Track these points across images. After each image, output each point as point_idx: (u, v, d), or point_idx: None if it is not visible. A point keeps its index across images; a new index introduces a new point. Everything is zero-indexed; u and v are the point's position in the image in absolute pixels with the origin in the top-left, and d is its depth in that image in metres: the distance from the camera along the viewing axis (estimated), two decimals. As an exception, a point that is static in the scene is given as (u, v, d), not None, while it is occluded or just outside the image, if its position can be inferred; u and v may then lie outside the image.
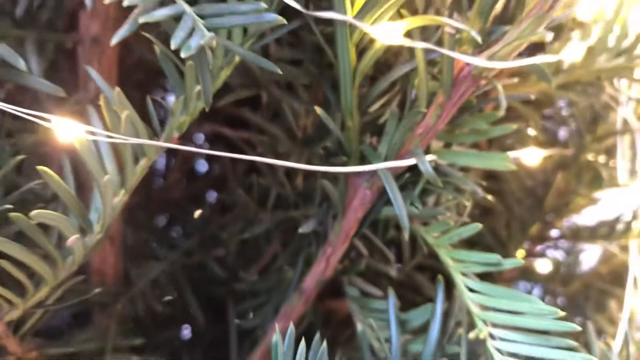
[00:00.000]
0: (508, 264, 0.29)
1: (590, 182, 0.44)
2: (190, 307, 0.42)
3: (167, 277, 0.42)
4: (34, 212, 0.24)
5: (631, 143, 0.44)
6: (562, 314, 0.28)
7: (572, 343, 0.27)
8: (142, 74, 0.43)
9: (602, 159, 0.46)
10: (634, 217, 0.43)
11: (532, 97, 0.32)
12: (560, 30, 0.38)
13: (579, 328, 0.27)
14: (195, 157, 0.49)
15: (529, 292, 0.56)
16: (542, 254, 0.50)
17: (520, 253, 0.46)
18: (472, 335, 0.29)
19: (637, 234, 0.42)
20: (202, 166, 0.55)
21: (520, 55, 0.34)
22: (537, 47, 0.41)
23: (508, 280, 0.49)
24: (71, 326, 0.43)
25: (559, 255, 0.59)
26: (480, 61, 0.27)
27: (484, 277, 0.49)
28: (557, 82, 0.38)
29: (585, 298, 0.56)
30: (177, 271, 0.42)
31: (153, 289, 0.41)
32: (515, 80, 0.37)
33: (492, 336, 0.29)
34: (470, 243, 0.49)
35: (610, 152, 0.45)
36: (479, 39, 0.26)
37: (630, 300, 0.44)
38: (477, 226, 0.30)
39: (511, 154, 0.41)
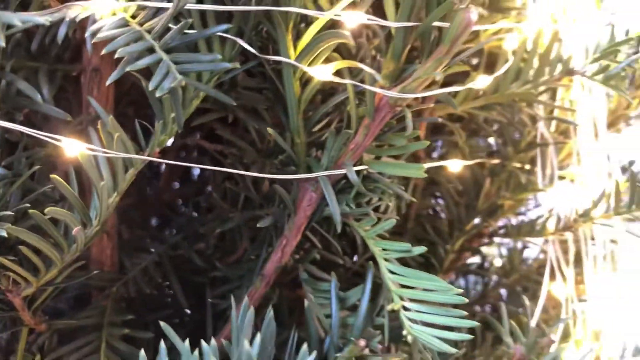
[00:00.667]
0: (416, 250, 0.37)
1: (515, 188, 0.52)
2: (175, 292, 0.50)
3: (155, 266, 0.50)
4: (48, 209, 0.32)
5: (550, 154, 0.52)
6: (459, 290, 0.36)
7: (464, 313, 0.35)
8: (135, 94, 0.51)
9: (528, 167, 0.54)
10: (549, 216, 0.51)
11: (440, 120, 0.40)
12: (479, 61, 0.46)
13: (466, 300, 0.35)
14: (180, 167, 0.58)
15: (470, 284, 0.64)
16: (478, 250, 0.57)
17: (456, 246, 0.54)
18: (389, 307, 0.37)
19: (551, 231, 0.50)
20: (194, 172, 0.63)
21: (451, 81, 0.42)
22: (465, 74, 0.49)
23: (450, 271, 0.56)
24: (73, 308, 0.51)
25: (503, 251, 0.67)
26: (393, 93, 0.35)
27: (428, 268, 0.57)
28: (478, 104, 0.46)
29: (524, 288, 0.64)
30: (164, 261, 0.50)
31: (143, 276, 0.49)
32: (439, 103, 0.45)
33: (405, 308, 0.37)
34: (418, 240, 0.57)
35: (534, 162, 0.53)
36: (378, 78, 0.34)
37: (546, 287, 0.52)
38: (392, 221, 0.38)
39: (443, 162, 0.49)
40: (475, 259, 0.63)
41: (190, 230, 0.52)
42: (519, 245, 0.65)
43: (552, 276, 0.52)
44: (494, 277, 0.60)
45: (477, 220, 0.54)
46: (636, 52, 0.54)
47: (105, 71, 0.45)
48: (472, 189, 0.52)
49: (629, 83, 0.55)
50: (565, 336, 0.55)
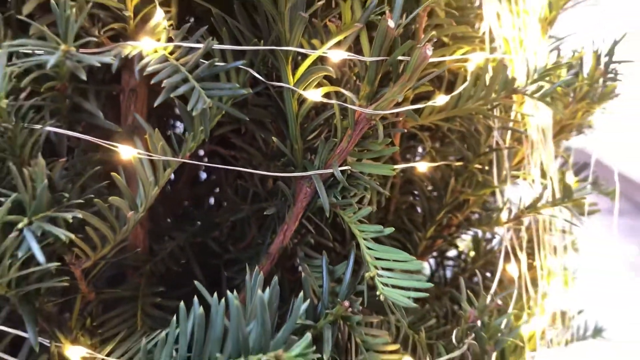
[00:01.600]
0: (387, 231, 0.47)
1: (475, 186, 0.63)
2: (195, 271, 0.60)
3: (179, 250, 0.61)
4: (111, 198, 0.42)
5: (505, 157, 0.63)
6: (420, 261, 0.47)
7: (424, 277, 0.46)
8: (162, 109, 0.62)
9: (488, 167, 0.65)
10: (502, 209, 0.61)
11: (404, 130, 0.51)
12: (440, 82, 0.57)
13: (425, 264, 0.46)
14: (199, 168, 0.68)
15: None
16: (448, 238, 0.68)
17: (429, 233, 0.64)
18: (367, 275, 0.47)
19: (504, 221, 0.61)
20: (203, 175, 0.74)
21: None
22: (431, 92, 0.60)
23: (424, 255, 0.67)
24: (111, 285, 0.62)
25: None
26: (368, 110, 0.46)
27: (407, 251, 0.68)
28: (442, 117, 0.57)
29: (491, 273, 0.74)
30: (186, 247, 0.61)
31: (170, 258, 0.60)
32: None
33: (379, 275, 0.47)
34: (397, 229, 0.67)
35: (492, 164, 0.64)
36: (355, 100, 0.45)
37: (500, 267, 0.62)
38: (369, 209, 0.48)
39: (412, 164, 0.60)
40: (454, 251, 0.74)
41: (207, 221, 0.63)
42: (488, 235, 0.77)
43: (513, 259, 0.63)
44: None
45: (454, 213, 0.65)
46: (577, 73, 0.65)
47: (140, 91, 0.56)
48: (441, 187, 0.63)
49: (572, 98, 0.66)
50: (520, 308, 0.66)
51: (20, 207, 0.40)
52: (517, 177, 0.64)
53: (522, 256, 0.64)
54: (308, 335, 0.37)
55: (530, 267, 0.68)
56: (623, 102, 0.67)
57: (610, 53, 0.65)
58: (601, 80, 0.65)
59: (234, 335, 0.38)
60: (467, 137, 0.62)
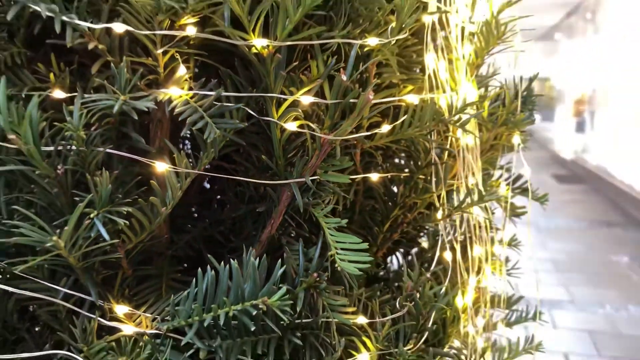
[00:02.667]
0: (343, 222, 0.67)
1: (419, 192, 0.82)
2: (205, 256, 0.79)
3: (193, 240, 0.80)
4: (152, 198, 0.62)
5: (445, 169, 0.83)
6: (365, 244, 0.66)
7: (368, 254, 0.65)
8: (176, 133, 0.82)
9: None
10: (437, 209, 0.81)
11: (359, 150, 0.71)
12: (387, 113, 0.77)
13: (367, 245, 0.65)
14: (205, 178, 0.88)
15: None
16: (407, 234, 0.87)
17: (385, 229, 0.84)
18: (329, 254, 0.67)
19: (439, 218, 0.80)
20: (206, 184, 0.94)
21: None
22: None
23: (383, 245, 0.86)
24: (142, 264, 0.81)
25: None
26: (330, 137, 0.66)
27: (368, 242, 0.86)
28: (390, 139, 0.77)
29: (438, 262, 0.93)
30: (198, 238, 0.80)
31: (186, 246, 0.79)
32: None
33: (338, 253, 0.66)
34: (361, 226, 0.87)
35: (432, 175, 0.83)
36: (318, 131, 0.64)
37: (437, 253, 0.81)
38: (330, 207, 0.68)
39: (366, 175, 0.79)
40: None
41: (214, 218, 0.82)
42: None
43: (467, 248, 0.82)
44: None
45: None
46: (498, 102, 0.85)
47: (164, 121, 0.75)
48: (393, 193, 0.82)
49: (494, 123, 0.85)
50: (453, 286, 0.85)
51: (91, 204, 0.59)
52: (453, 184, 0.83)
53: (457, 246, 0.83)
54: (284, 289, 0.57)
55: (465, 255, 0.87)
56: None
57: (528, 89, 0.85)
58: (519, 110, 0.84)
59: (235, 289, 0.57)
60: (412, 155, 0.82)
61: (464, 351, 0.81)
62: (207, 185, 0.92)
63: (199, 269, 0.59)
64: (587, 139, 13.39)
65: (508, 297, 1.08)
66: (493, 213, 0.88)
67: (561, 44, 17.03)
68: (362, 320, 0.70)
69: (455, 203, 0.81)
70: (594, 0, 12.85)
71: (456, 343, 0.85)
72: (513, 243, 1.04)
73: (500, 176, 0.97)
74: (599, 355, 3.89)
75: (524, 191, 0.99)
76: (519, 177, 1.02)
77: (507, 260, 1.06)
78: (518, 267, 1.08)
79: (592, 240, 7.04)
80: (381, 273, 0.92)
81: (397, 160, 0.89)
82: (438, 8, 0.79)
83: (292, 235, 0.76)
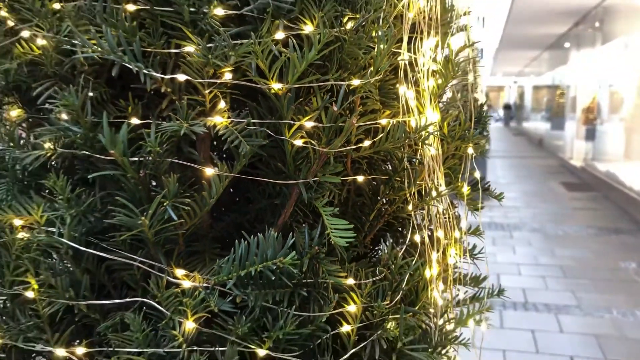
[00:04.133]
0: (336, 210, 0.94)
1: (396, 190, 1.09)
2: (236, 238, 1.07)
3: (227, 227, 1.08)
4: (203, 192, 0.90)
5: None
6: (351, 225, 0.93)
7: (352, 232, 0.92)
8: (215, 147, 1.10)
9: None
10: (409, 203, 1.08)
11: (346, 158, 0.98)
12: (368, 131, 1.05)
13: (351, 225, 0.92)
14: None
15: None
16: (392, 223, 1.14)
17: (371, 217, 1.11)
18: (327, 232, 0.94)
19: (411, 209, 1.07)
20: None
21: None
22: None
23: (370, 232, 1.13)
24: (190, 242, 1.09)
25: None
26: (325, 150, 0.93)
27: (357, 229, 1.15)
28: (372, 151, 1.04)
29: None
30: (231, 225, 1.08)
31: (222, 231, 1.07)
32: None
33: (332, 232, 0.94)
34: (353, 216, 1.14)
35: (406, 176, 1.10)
36: (316, 145, 0.92)
37: (409, 236, 1.09)
38: (326, 199, 0.95)
39: (354, 177, 1.06)
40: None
41: (242, 210, 1.10)
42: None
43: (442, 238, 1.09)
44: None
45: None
46: (457, 121, 1.12)
47: (207, 139, 1.03)
48: (377, 191, 1.10)
49: (453, 138, 1.13)
50: (423, 262, 1.12)
51: (163, 197, 0.87)
52: (421, 185, 1.11)
53: (425, 230, 1.10)
54: (293, 253, 0.84)
55: (434, 240, 1.14)
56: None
57: (480, 110, 1.12)
58: (472, 127, 1.12)
59: (260, 254, 0.85)
60: (390, 162, 1.09)
61: (431, 310, 1.08)
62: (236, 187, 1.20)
63: (236, 241, 0.87)
64: (596, 146, 13.54)
65: (476, 276, 1.34)
66: (455, 207, 1.15)
67: (571, 52, 17.21)
68: (350, 281, 0.98)
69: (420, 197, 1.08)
70: (602, 9, 13.05)
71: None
72: (477, 233, 1.30)
73: (465, 178, 1.24)
74: (604, 358, 4.04)
75: (485, 190, 1.26)
76: (482, 179, 1.29)
77: (474, 246, 1.33)
78: (482, 252, 1.34)
79: (601, 247, 7.19)
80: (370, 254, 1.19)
81: (381, 166, 1.16)
82: (409, 51, 1.07)
83: (300, 221, 1.04)
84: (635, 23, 10.84)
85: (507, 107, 30.07)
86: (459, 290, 1.26)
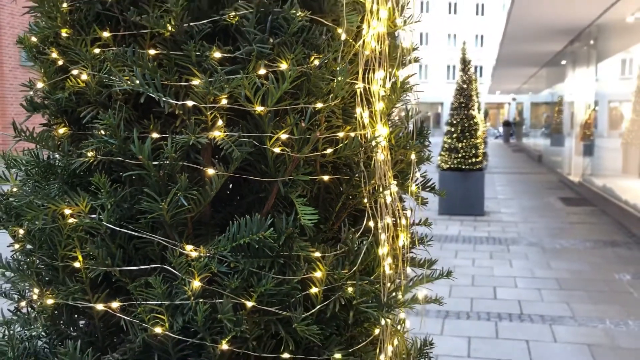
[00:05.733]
0: (305, 200, 1.26)
1: (356, 188, 1.41)
2: (232, 218, 1.40)
3: (223, 216, 1.40)
4: (206, 187, 1.22)
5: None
6: (316, 211, 1.25)
7: (318, 216, 1.24)
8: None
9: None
10: (364, 197, 1.40)
11: (313, 162, 1.31)
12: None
13: (316, 211, 1.24)
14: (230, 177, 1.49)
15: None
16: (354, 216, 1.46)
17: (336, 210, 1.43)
18: (299, 217, 1.26)
19: (365, 202, 1.39)
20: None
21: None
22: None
23: (337, 221, 1.45)
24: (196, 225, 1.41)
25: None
26: (297, 155, 1.26)
27: (325, 219, 1.48)
28: (335, 156, 1.37)
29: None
30: (226, 214, 1.41)
31: (220, 219, 1.40)
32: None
33: (302, 217, 1.25)
34: (322, 209, 1.47)
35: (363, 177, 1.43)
36: (289, 152, 1.25)
37: (367, 223, 1.41)
38: (299, 192, 1.27)
39: (320, 177, 1.39)
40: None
41: (235, 202, 1.42)
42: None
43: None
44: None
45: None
46: (403, 134, 1.45)
47: (209, 148, 1.36)
48: (341, 187, 1.42)
49: (398, 146, 1.45)
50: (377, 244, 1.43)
51: (178, 189, 1.19)
52: (374, 183, 1.42)
53: (378, 219, 1.42)
54: (271, 229, 1.17)
55: (389, 228, 1.46)
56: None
57: (422, 124, 1.45)
58: (414, 137, 1.44)
59: (248, 230, 1.18)
60: (350, 165, 1.42)
61: (384, 281, 1.39)
62: (230, 185, 1.53)
63: (230, 222, 1.20)
64: (594, 161, 13.83)
65: (428, 259, 1.66)
66: (403, 201, 1.47)
67: (567, 69, 17.58)
68: (317, 254, 1.30)
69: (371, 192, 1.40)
70: (595, 27, 13.43)
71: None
72: (427, 224, 1.62)
73: (417, 179, 1.56)
74: (596, 366, 4.27)
75: (431, 189, 1.58)
76: (428, 180, 1.61)
77: (426, 235, 1.64)
78: (431, 239, 1.66)
79: (596, 260, 7.42)
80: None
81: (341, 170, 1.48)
82: (364, 81, 1.40)
83: (280, 210, 1.36)
84: (628, 40, 11.20)
85: (506, 124, 30.41)
86: (414, 271, 1.57)
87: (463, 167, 10.45)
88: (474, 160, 10.43)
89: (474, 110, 10.77)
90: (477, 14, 59.07)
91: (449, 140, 10.57)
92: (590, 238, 8.97)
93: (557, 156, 19.14)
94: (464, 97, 10.67)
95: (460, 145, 10.46)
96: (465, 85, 10.75)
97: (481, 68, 57.36)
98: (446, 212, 10.64)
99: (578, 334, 4.93)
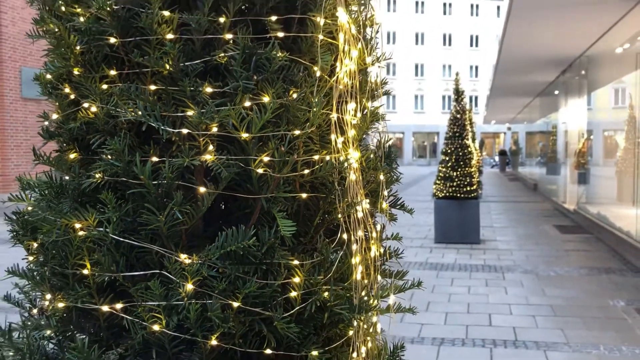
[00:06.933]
0: (284, 214, 1.45)
1: (332, 205, 1.60)
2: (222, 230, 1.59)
3: (214, 229, 1.59)
4: (198, 202, 1.41)
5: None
6: (294, 223, 1.44)
7: (294, 227, 1.43)
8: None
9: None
10: (339, 212, 1.59)
11: (294, 180, 1.51)
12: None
13: (294, 224, 1.43)
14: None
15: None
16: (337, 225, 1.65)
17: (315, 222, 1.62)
18: (279, 229, 1.45)
19: (340, 217, 1.58)
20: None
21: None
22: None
23: (316, 233, 1.64)
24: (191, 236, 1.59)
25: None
26: (278, 175, 1.46)
27: (305, 231, 1.68)
28: (312, 176, 1.57)
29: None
30: (216, 228, 1.60)
31: (211, 232, 1.59)
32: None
33: (283, 228, 1.44)
34: (302, 222, 1.66)
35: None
36: (271, 173, 1.44)
37: (339, 236, 1.60)
38: (279, 207, 1.46)
39: (298, 195, 1.58)
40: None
41: (224, 217, 1.61)
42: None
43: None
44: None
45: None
46: (372, 157, 1.65)
47: (201, 169, 1.56)
48: (318, 204, 1.61)
49: (369, 168, 1.65)
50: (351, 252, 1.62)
51: (174, 204, 1.39)
52: (347, 200, 1.61)
53: (352, 232, 1.61)
54: (254, 237, 1.36)
55: (358, 238, 1.64)
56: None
57: (389, 147, 1.65)
58: (383, 160, 1.64)
59: (234, 238, 1.37)
60: (326, 184, 1.61)
61: (357, 287, 1.57)
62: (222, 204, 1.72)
63: (219, 232, 1.38)
64: (589, 189, 14.03)
65: (399, 271, 1.84)
66: (374, 217, 1.66)
67: (560, 98, 17.93)
68: (296, 262, 1.48)
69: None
70: (585, 58, 13.79)
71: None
72: (398, 238, 1.80)
73: (382, 197, 1.75)
74: (590, 391, 4.33)
75: (401, 207, 1.77)
76: (398, 199, 1.80)
77: (396, 249, 1.83)
78: (402, 253, 1.84)
79: (591, 286, 7.52)
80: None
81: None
82: (337, 111, 1.60)
83: (263, 224, 1.55)
84: (618, 70, 11.52)
85: (502, 153, 30.73)
86: (386, 281, 1.75)
87: (458, 195, 10.64)
88: (468, 188, 10.63)
89: (468, 139, 11.01)
90: (471, 45, 60.13)
91: (444, 169, 10.79)
92: (585, 265, 9.06)
93: (552, 184, 19.36)
94: (458, 126, 10.92)
95: (455, 174, 10.67)
96: (459, 115, 11.01)
97: (476, 98, 58.21)
98: (442, 241, 10.78)
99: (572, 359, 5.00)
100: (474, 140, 20.63)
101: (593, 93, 13.88)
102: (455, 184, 10.66)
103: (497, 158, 30.32)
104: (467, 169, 10.68)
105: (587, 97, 14.29)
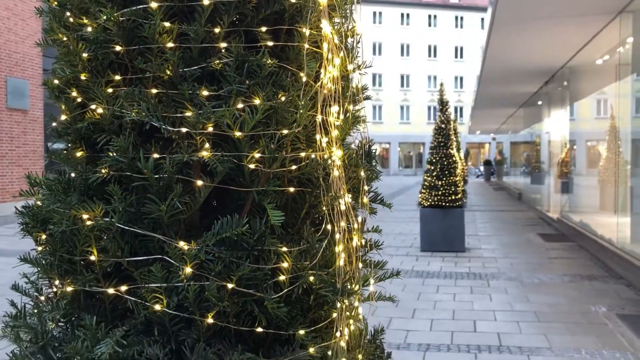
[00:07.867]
0: (274, 206, 1.61)
1: (317, 199, 1.76)
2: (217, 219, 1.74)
3: (209, 220, 1.74)
4: (196, 194, 1.57)
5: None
6: (282, 213, 1.59)
7: (283, 216, 1.58)
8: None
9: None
10: (325, 205, 1.74)
11: (284, 175, 1.66)
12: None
13: (283, 213, 1.58)
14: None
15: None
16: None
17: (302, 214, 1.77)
18: (269, 218, 1.60)
19: (325, 207, 1.74)
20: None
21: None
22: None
23: (302, 224, 1.80)
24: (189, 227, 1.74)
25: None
26: (268, 170, 1.62)
27: (293, 222, 1.84)
28: (299, 172, 1.72)
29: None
30: (212, 219, 1.75)
31: (207, 223, 1.74)
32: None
33: (273, 218, 1.60)
34: (290, 214, 1.82)
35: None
36: (263, 169, 1.60)
37: (323, 226, 1.76)
38: (269, 200, 1.62)
39: (286, 188, 1.74)
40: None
41: (218, 209, 1.77)
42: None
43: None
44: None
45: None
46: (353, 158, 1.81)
47: (198, 164, 1.71)
48: (305, 198, 1.77)
49: (351, 165, 1.81)
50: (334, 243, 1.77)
51: (174, 195, 1.54)
52: (331, 194, 1.77)
53: (335, 223, 1.76)
54: (247, 225, 1.51)
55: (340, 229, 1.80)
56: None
57: (369, 148, 1.81)
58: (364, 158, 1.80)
59: (228, 227, 1.52)
60: (311, 180, 1.77)
61: (340, 273, 1.73)
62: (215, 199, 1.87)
63: (215, 221, 1.54)
64: (572, 198, 14.30)
65: (378, 262, 1.99)
66: (356, 210, 1.81)
67: (543, 109, 18.28)
68: (284, 249, 1.63)
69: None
70: (567, 70, 14.11)
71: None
72: (378, 230, 1.96)
73: (362, 192, 1.91)
74: (571, 393, 4.45)
75: (381, 202, 1.93)
76: (377, 195, 1.96)
77: (377, 242, 1.99)
78: (381, 244, 1.99)
79: (574, 293, 7.67)
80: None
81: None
82: (322, 113, 1.77)
83: (255, 215, 1.70)
84: (599, 81, 11.82)
85: (487, 163, 31.06)
86: (367, 270, 1.91)
87: (443, 204, 10.83)
88: (453, 197, 10.82)
89: (452, 149, 11.23)
90: (456, 57, 60.81)
91: (429, 178, 10.98)
92: (568, 272, 9.20)
93: (536, 194, 19.65)
94: (443, 136, 11.14)
95: (439, 182, 10.87)
96: (443, 125, 11.23)
97: (461, 109, 58.85)
98: (428, 249, 10.92)
99: (555, 364, 5.11)
100: (458, 150, 20.92)
101: (575, 104, 14.19)
102: (440, 192, 10.85)
103: (482, 168, 30.67)
104: (451, 177, 10.89)
105: (570, 107, 14.60)
